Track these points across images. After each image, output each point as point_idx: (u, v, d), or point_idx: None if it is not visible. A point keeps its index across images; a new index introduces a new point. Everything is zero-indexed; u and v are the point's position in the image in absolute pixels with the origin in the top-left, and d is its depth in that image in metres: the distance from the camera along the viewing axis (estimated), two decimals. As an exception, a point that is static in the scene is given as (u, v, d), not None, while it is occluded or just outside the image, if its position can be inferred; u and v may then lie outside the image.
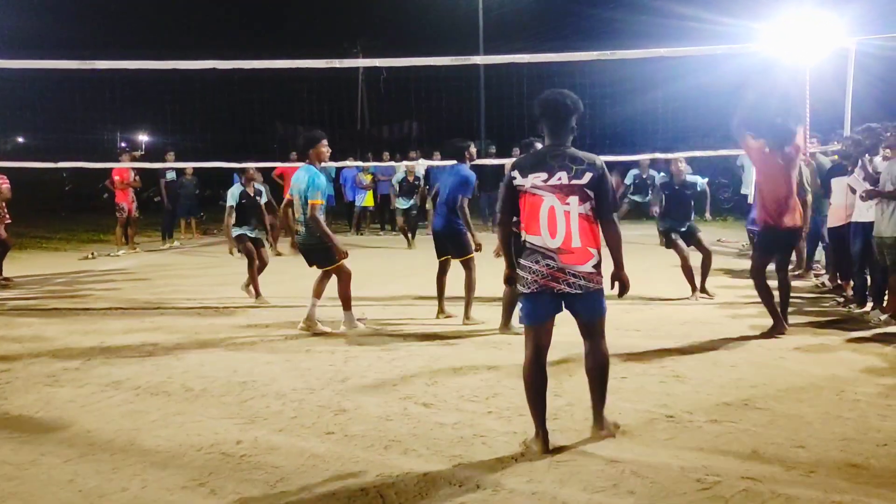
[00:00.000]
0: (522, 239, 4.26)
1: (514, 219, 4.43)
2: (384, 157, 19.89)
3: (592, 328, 4.32)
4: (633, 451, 4.22)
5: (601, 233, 4.25)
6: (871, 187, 7.50)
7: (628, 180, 15.85)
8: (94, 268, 13.07)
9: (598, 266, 4.18)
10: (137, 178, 15.22)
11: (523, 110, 17.92)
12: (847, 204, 8.21)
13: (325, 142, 7.37)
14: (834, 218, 8.59)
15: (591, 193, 4.14)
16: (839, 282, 9.06)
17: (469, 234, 7.69)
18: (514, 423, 4.68)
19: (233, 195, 9.32)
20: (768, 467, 3.98)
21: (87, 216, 21.85)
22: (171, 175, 16.80)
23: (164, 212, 16.95)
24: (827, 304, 8.57)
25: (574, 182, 4.11)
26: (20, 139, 32.55)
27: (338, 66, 10.96)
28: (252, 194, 9.48)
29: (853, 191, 7.95)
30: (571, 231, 4.11)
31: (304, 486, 3.82)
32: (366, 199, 18.74)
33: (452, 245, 7.82)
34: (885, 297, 7.79)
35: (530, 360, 4.24)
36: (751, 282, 7.43)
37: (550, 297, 4.19)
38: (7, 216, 11.00)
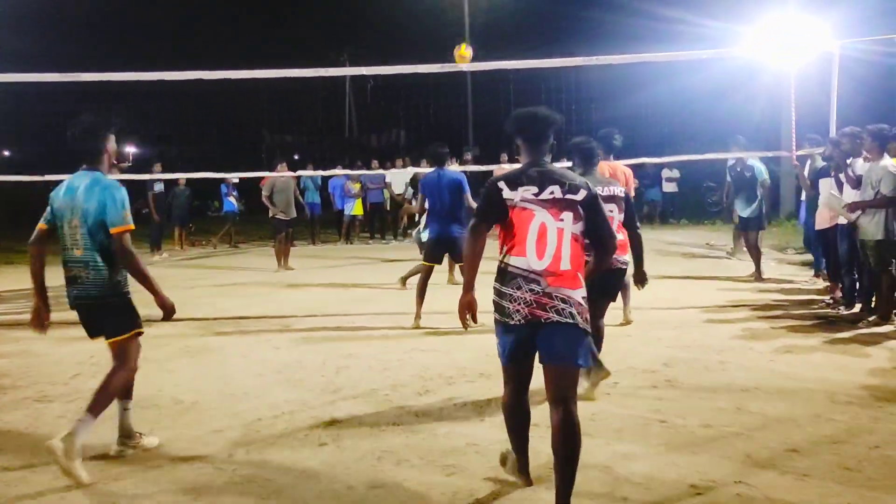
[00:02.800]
0: (502, 262, 3.62)
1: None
2: (373, 165, 19.89)
3: (565, 381, 3.55)
4: (626, 457, 4.22)
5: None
6: (840, 196, 7.56)
7: None
8: (83, 281, 12.97)
9: (585, 299, 3.58)
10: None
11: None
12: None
13: (113, 137, 4.84)
14: (821, 220, 8.64)
15: (583, 213, 3.59)
16: (828, 283, 9.11)
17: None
18: (506, 432, 4.67)
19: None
20: (762, 472, 3.99)
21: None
22: (158, 187, 16.73)
23: (152, 224, 16.88)
24: (816, 306, 8.61)
25: (569, 197, 3.55)
26: (6, 153, 32.39)
27: (324, 75, 10.96)
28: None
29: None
30: (562, 252, 3.51)
31: (297, 499, 3.80)
32: (355, 208, 18.71)
33: (454, 250, 7.96)
34: (874, 299, 7.84)
35: (509, 398, 3.76)
36: (740, 285, 7.46)
37: (532, 330, 3.52)
38: None
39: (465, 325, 3.69)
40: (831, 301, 8.57)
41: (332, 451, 4.46)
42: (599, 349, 5.49)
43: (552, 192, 3.55)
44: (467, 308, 3.64)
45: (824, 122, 9.42)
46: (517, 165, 3.91)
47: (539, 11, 33.44)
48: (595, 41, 21.26)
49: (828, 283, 9.39)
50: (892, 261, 7.37)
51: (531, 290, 3.47)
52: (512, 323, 3.50)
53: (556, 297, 3.46)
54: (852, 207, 7.53)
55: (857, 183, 7.57)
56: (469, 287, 3.67)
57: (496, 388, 5.55)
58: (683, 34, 19.71)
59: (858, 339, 6.96)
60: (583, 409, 4.98)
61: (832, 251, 8.59)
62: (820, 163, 9.30)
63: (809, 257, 11.04)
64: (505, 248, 3.61)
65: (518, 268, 3.52)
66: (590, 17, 29.41)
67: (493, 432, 4.67)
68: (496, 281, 3.61)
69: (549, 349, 3.52)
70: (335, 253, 16.63)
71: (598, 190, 5.46)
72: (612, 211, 5.35)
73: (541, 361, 3.57)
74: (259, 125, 33.61)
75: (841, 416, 4.84)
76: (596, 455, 4.25)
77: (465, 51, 8.71)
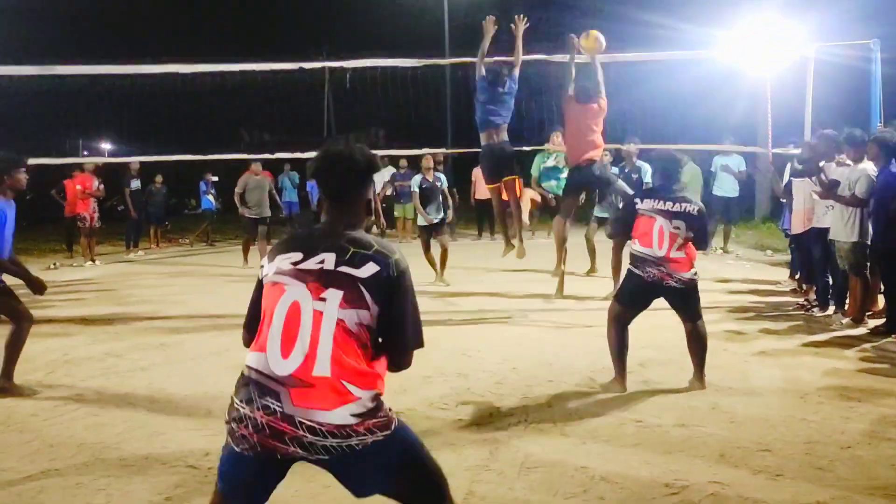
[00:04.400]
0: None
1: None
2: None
3: None
4: (602, 457, 4.24)
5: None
6: (823, 192, 7.65)
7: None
8: (57, 278, 12.82)
9: (365, 416, 2.42)
10: (101, 187, 14.94)
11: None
12: (807, 209, 8.34)
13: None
14: (796, 223, 8.72)
15: (368, 297, 2.47)
16: (802, 286, 9.21)
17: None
18: (483, 430, 4.69)
19: (415, 182, 10.82)
20: (735, 471, 4.03)
21: (49, 226, 21.49)
22: (135, 184, 16.59)
23: (129, 221, 16.74)
24: (790, 308, 8.69)
25: (343, 270, 2.48)
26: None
27: (306, 67, 10.91)
28: (431, 180, 10.70)
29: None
30: (319, 346, 2.42)
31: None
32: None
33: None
34: (847, 301, 7.94)
35: None
36: (715, 286, 7.52)
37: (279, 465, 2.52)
38: None
39: None
40: (805, 303, 8.66)
41: (308, 450, 4.44)
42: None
43: (321, 262, 2.51)
44: None
45: (800, 124, 9.52)
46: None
47: (516, 13, 33.50)
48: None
49: (797, 286, 9.52)
50: (866, 264, 7.47)
51: (265, 408, 2.41)
52: (237, 450, 2.47)
53: (301, 421, 2.37)
54: (823, 196, 7.65)
55: (828, 187, 7.64)
56: None
57: (474, 388, 5.60)
58: (661, 38, 19.81)
59: (831, 342, 7.04)
60: (559, 410, 5.04)
61: (806, 254, 8.68)
62: (797, 166, 9.40)
63: (785, 258, 11.16)
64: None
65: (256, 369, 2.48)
66: (566, 21, 29.51)
67: (470, 432, 4.69)
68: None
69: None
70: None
71: (667, 206, 5.48)
72: (677, 229, 5.44)
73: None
74: (237, 124, 33.45)
75: (813, 417, 4.89)
76: (572, 455, 4.28)
77: (591, 40, 8.67)
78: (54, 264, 14.46)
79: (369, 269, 2.48)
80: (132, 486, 3.96)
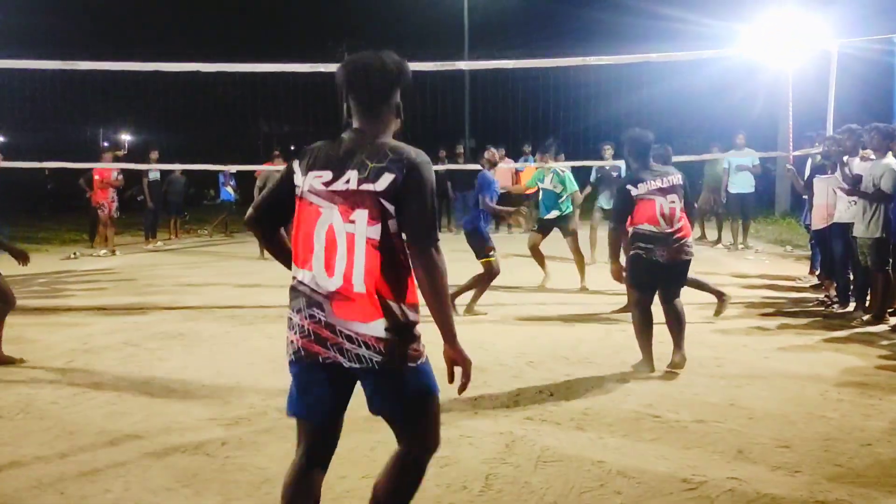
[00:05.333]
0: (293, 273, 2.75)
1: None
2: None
3: (396, 427, 2.80)
4: (619, 452, 4.23)
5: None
6: (848, 187, 7.57)
7: (592, 177, 14.38)
8: (77, 268, 12.95)
9: (401, 330, 2.62)
10: (120, 177, 15.03)
11: (507, 112, 17.98)
12: (828, 204, 8.27)
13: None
14: (817, 219, 8.65)
15: (389, 207, 2.58)
16: (823, 282, 9.13)
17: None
18: (500, 424, 4.68)
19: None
20: (753, 467, 4.00)
21: (70, 215, 21.67)
22: (154, 175, 16.67)
23: (147, 211, 16.83)
24: (810, 304, 8.62)
25: (364, 188, 2.58)
26: (0, 138, 32.31)
27: (323, 70, 10.91)
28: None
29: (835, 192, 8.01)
30: (354, 266, 2.58)
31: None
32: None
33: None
34: (868, 298, 7.86)
35: (292, 470, 2.85)
36: (734, 281, 7.48)
37: (331, 373, 2.68)
38: None
39: None
40: (825, 299, 8.59)
41: (324, 440, 4.45)
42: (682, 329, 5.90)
43: (347, 181, 2.61)
44: None
45: (822, 119, 9.43)
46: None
47: (537, 9, 33.41)
48: (592, 39, 21.26)
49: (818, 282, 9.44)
50: (888, 260, 7.38)
51: (311, 317, 2.64)
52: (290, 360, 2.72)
53: (340, 331, 2.59)
54: (847, 192, 7.57)
55: (853, 182, 7.56)
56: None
57: (490, 381, 5.59)
58: (681, 32, 19.72)
59: (852, 338, 6.97)
60: (576, 404, 5.03)
61: (827, 250, 8.61)
62: (819, 161, 9.31)
63: (806, 254, 11.08)
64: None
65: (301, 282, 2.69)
66: (587, 16, 29.42)
67: (487, 424, 4.68)
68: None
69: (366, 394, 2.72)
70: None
71: (658, 182, 5.63)
72: (673, 202, 5.63)
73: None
74: (256, 115, 33.52)
75: (833, 414, 4.85)
76: (588, 449, 4.26)
77: None
78: (74, 254, 14.58)
79: (385, 179, 2.57)
80: (150, 473, 3.99)
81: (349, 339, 2.58)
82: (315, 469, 2.81)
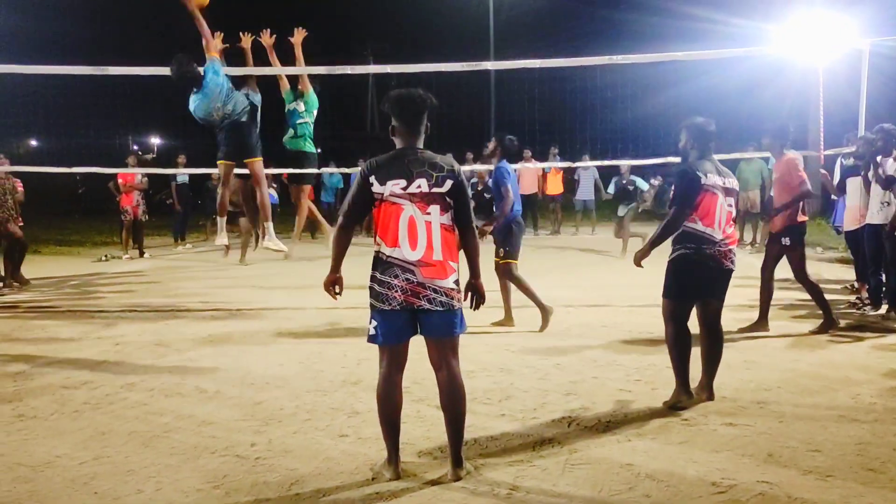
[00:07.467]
0: (378, 251, 3.85)
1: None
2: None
3: (445, 349, 3.91)
4: (648, 455, 4.20)
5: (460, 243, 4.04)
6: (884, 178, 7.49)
7: (611, 189, 14.43)
8: (108, 270, 13.13)
9: (458, 282, 3.87)
10: (145, 179, 15.16)
11: (534, 113, 17.94)
12: (861, 205, 8.17)
13: None
14: (849, 220, 8.55)
15: (450, 202, 3.83)
16: (856, 284, 9.03)
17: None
18: (527, 426, 4.68)
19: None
20: (784, 471, 3.96)
21: (101, 218, 21.96)
22: (182, 178, 16.84)
23: (176, 214, 16.99)
24: (842, 307, 8.52)
25: (435, 191, 3.78)
26: (33, 142, 32.77)
27: (350, 72, 10.97)
28: None
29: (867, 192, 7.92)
30: (433, 243, 3.78)
31: (319, 489, 3.82)
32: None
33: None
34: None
35: (384, 378, 3.90)
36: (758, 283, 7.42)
37: (409, 316, 3.82)
38: (20, 218, 11.08)
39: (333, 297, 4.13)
40: (857, 301, 8.48)
41: (352, 441, 4.48)
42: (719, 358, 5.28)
43: (419, 187, 3.78)
44: (327, 286, 4.10)
45: (853, 119, 9.30)
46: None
47: (564, 10, 33.32)
48: (621, 40, 21.19)
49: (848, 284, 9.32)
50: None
51: (407, 280, 3.77)
52: (386, 308, 3.81)
53: (429, 287, 3.77)
54: (884, 185, 7.51)
55: (886, 183, 7.47)
56: (334, 270, 4.09)
57: (517, 382, 5.59)
58: (710, 32, 19.58)
59: (885, 341, 6.88)
60: (603, 407, 5.00)
61: (860, 251, 8.51)
62: (850, 161, 9.20)
63: (836, 256, 10.93)
64: (380, 239, 3.85)
65: (393, 258, 3.80)
66: (616, 17, 29.30)
67: (514, 426, 4.68)
68: (374, 269, 3.88)
69: (429, 331, 3.88)
70: (354, 248, 16.64)
71: (720, 180, 5.13)
72: (730, 206, 5.14)
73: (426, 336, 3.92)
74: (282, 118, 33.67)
75: (864, 417, 4.79)
76: (617, 452, 4.25)
77: None
78: (105, 256, 14.77)
79: (448, 184, 3.82)
80: (181, 475, 4.03)
81: (434, 290, 3.77)
82: (398, 375, 3.93)
